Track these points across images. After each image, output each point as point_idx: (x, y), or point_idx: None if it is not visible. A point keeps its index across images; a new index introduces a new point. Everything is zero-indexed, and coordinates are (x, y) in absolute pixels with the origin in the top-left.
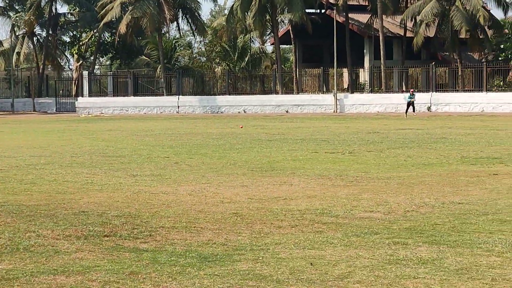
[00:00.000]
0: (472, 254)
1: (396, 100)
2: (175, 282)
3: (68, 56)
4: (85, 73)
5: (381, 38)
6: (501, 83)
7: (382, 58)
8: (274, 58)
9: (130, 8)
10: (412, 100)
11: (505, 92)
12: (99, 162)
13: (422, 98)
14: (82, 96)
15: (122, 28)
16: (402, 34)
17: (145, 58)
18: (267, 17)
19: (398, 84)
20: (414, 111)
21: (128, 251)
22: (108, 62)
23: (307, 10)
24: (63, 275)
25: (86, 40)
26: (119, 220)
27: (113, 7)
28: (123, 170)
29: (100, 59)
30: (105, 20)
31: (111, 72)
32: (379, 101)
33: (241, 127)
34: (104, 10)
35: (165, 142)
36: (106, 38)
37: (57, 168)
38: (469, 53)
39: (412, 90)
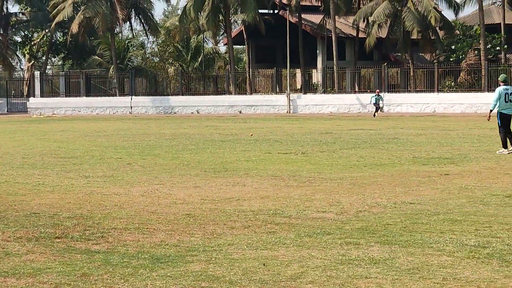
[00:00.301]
0: (424, 253)
1: (348, 101)
2: (127, 283)
3: (19, 56)
4: (37, 73)
5: (333, 38)
6: (452, 83)
7: (334, 59)
8: (227, 59)
9: (82, 7)
10: (379, 102)
11: (456, 93)
12: (51, 163)
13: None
14: (34, 96)
15: (74, 28)
16: (355, 35)
17: (97, 58)
18: (220, 17)
19: (351, 84)
20: (375, 112)
21: (80, 252)
22: (60, 62)
23: (260, 11)
24: (13, 277)
25: (38, 40)
26: (71, 221)
27: (65, 6)
28: (75, 171)
29: (52, 59)
30: (57, 19)
31: (63, 72)
32: (332, 101)
33: (252, 135)
34: (56, 10)
35: (118, 143)
36: (58, 38)
37: (8, 170)
38: (421, 54)
39: (378, 91)
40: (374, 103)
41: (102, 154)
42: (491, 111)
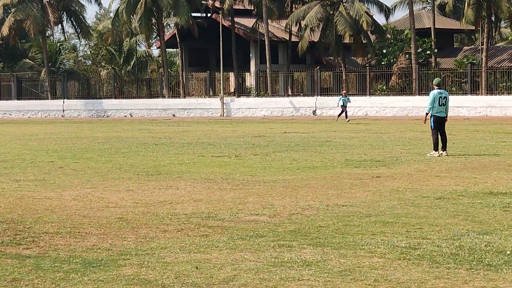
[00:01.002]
0: (355, 255)
1: (282, 104)
2: None
3: None
4: None
5: (266, 42)
6: (384, 87)
7: (267, 62)
8: (161, 62)
9: (13, 10)
10: (345, 104)
11: (388, 96)
12: None
13: (307, 102)
14: None
15: (5, 30)
16: (288, 38)
17: (29, 61)
18: (153, 20)
19: (284, 88)
20: (346, 117)
21: (10, 257)
22: None
23: (193, 14)
24: None
25: None
26: (1, 226)
27: None
28: (5, 175)
29: None
30: None
31: None
32: (265, 105)
33: (285, 132)
34: None
35: (50, 147)
36: None
37: None
38: (353, 57)
39: (344, 92)
40: (342, 105)
41: (34, 157)
42: (427, 114)
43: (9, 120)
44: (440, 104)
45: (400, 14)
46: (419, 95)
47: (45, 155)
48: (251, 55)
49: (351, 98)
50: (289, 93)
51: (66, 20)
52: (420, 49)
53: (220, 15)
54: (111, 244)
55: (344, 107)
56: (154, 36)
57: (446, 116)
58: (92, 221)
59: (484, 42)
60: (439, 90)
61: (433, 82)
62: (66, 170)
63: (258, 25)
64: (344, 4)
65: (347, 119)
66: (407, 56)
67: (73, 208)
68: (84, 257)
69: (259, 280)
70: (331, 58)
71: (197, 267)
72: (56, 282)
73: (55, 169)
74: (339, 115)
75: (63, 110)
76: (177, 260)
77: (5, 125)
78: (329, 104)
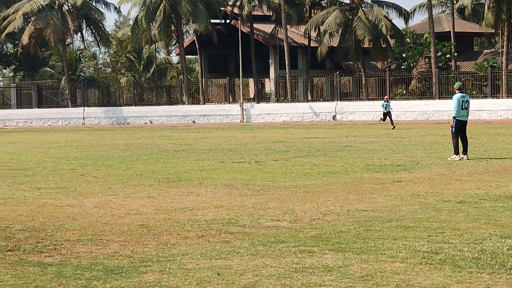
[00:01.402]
0: (377, 260)
1: (301, 110)
2: None
3: None
4: None
5: (285, 48)
6: (404, 91)
7: (287, 68)
8: (180, 69)
9: (33, 19)
10: (387, 109)
11: (407, 101)
12: (3, 175)
13: (327, 107)
14: None
15: (25, 39)
16: (307, 44)
17: (49, 69)
18: (172, 27)
19: (304, 93)
20: (392, 123)
21: (32, 265)
22: (11, 74)
23: (212, 21)
24: None
25: None
26: (23, 234)
27: (15, 18)
28: (27, 183)
29: (3, 70)
30: (7, 31)
31: (15, 84)
32: (285, 110)
33: (346, 136)
34: (6, 21)
35: (71, 154)
36: (9, 50)
37: None
38: (372, 62)
39: (386, 97)
40: (385, 111)
41: (55, 165)
42: (454, 118)
43: (30, 128)
44: (463, 108)
45: (419, 18)
46: (439, 99)
47: (66, 162)
48: (270, 60)
49: (370, 103)
50: (309, 98)
51: (86, 28)
52: (439, 53)
53: (239, 21)
54: (132, 251)
55: (388, 113)
56: (173, 43)
57: (467, 120)
58: (113, 228)
59: (504, 45)
60: (461, 94)
61: (454, 86)
62: (87, 177)
63: (277, 30)
64: (363, 8)
65: (393, 126)
66: (426, 60)
67: (95, 216)
68: (106, 264)
69: (280, 286)
70: (351, 63)
71: (218, 274)
72: None
73: (76, 176)
74: (383, 119)
75: (84, 118)
76: (198, 266)
77: (26, 133)
78: (349, 109)
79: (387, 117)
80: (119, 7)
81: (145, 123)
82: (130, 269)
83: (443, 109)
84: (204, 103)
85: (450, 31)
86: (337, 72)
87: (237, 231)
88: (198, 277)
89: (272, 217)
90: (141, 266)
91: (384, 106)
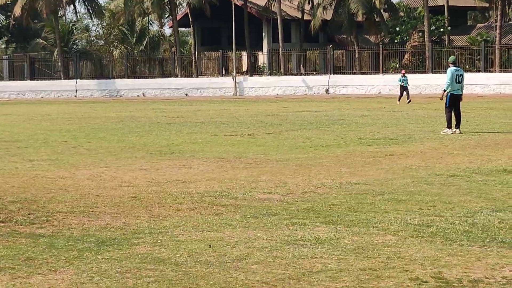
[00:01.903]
0: (368, 233)
1: (294, 83)
2: (72, 266)
3: None
4: None
5: (279, 21)
6: (397, 65)
7: (280, 41)
8: (173, 41)
9: None
10: (405, 84)
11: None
12: None
13: (320, 81)
14: None
15: (17, 10)
16: (300, 17)
17: (41, 41)
18: None
19: (297, 66)
20: (408, 97)
21: (24, 236)
22: (3, 46)
23: None
24: None
25: None
26: (15, 205)
27: None
28: (19, 155)
29: None
30: None
31: (7, 56)
32: (278, 83)
33: (384, 107)
34: None
35: (63, 126)
36: (1, 21)
37: None
38: (365, 36)
39: (403, 71)
40: (402, 86)
41: (47, 137)
42: (444, 91)
43: (23, 101)
44: (457, 81)
45: None
46: (432, 73)
47: (58, 135)
48: (263, 34)
49: (363, 76)
50: (302, 71)
51: (78, 0)
52: (433, 26)
53: None
54: (124, 223)
55: (405, 87)
56: (166, 16)
57: (462, 94)
58: (105, 200)
59: (498, 20)
60: (455, 68)
61: (449, 60)
62: (79, 149)
63: (271, 3)
64: None
65: (408, 100)
66: (420, 34)
67: (87, 187)
68: (98, 236)
69: (272, 258)
70: (344, 36)
71: (210, 246)
72: (70, 261)
73: (68, 148)
74: (399, 98)
75: (76, 90)
76: (190, 238)
77: (18, 105)
78: (342, 83)
79: (404, 92)
80: None
81: (138, 95)
82: (122, 241)
83: (436, 83)
84: (197, 76)
85: (443, 5)
86: (330, 46)
87: (229, 204)
88: (190, 249)
89: (264, 189)
90: (133, 238)
91: (401, 80)
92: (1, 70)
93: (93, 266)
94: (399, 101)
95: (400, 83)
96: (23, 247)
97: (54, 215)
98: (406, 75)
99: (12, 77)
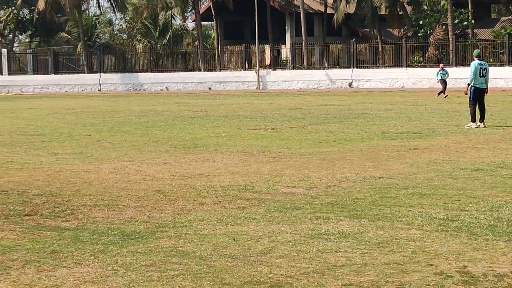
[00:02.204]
0: (393, 227)
1: (318, 77)
2: (97, 260)
3: None
4: (4, 50)
5: (302, 14)
6: (421, 59)
7: (303, 35)
8: (196, 35)
9: None
10: (444, 77)
11: (424, 68)
12: (19, 140)
13: (343, 74)
14: (1, 74)
15: (41, 4)
16: (323, 10)
17: (65, 35)
18: None
19: (320, 60)
20: (444, 91)
21: (49, 230)
22: (27, 40)
23: None
24: None
25: (4, 17)
26: (40, 199)
27: None
28: (44, 148)
29: (19, 36)
30: None
31: (31, 50)
32: (301, 77)
33: (431, 100)
34: None
35: (87, 120)
36: (25, 15)
37: None
38: (389, 29)
39: (442, 65)
40: (440, 79)
41: (71, 131)
42: (469, 84)
43: (47, 94)
44: (481, 75)
45: None
46: (456, 67)
47: (82, 128)
48: (286, 27)
49: (387, 70)
50: (325, 65)
51: None
52: (457, 20)
53: None
54: (148, 216)
55: (443, 81)
56: (189, 9)
57: (486, 88)
58: (129, 194)
59: None
60: (479, 61)
61: (473, 54)
62: (103, 143)
63: None
64: None
65: (445, 95)
66: (443, 27)
67: (111, 181)
68: (122, 229)
69: (296, 252)
70: (367, 30)
71: (234, 239)
72: (95, 254)
73: (93, 142)
74: (439, 93)
75: (100, 84)
76: (214, 232)
77: (42, 99)
78: (366, 76)
79: (443, 85)
80: None
81: (161, 89)
82: (146, 234)
83: (460, 76)
84: (220, 70)
85: None
86: (354, 39)
87: (253, 197)
88: (214, 243)
89: (288, 183)
90: (158, 232)
91: (440, 74)
92: (25, 64)
93: (118, 259)
94: (444, 94)
95: (438, 78)
96: (49, 240)
97: (79, 209)
98: (445, 68)
99: (36, 71)
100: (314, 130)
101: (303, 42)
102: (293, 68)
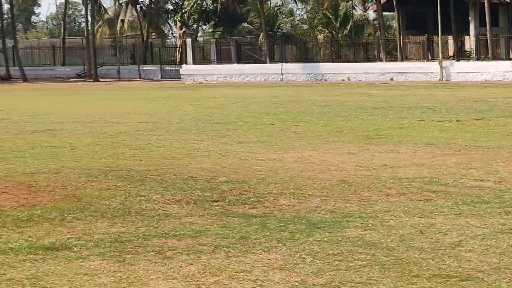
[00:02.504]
0: None
1: (503, 68)
2: (285, 247)
3: (171, 23)
4: (189, 40)
5: (486, 5)
6: None
7: (488, 25)
8: (377, 26)
9: None
10: None
11: None
12: (205, 128)
13: None
14: (186, 63)
15: None
16: (508, 1)
17: (247, 25)
18: None
19: (505, 52)
20: None
21: (237, 216)
22: (210, 30)
23: None
24: (174, 238)
25: (189, 7)
26: (227, 185)
27: None
28: (229, 136)
29: (203, 26)
30: None
31: (214, 40)
32: (486, 69)
33: None
34: None
35: (270, 109)
36: (209, 6)
37: (165, 134)
38: None
39: None
40: None
41: (255, 120)
42: None
43: (230, 83)
44: None
45: None
46: None
47: (265, 117)
48: (470, 18)
49: None
50: (511, 57)
51: None
52: None
53: None
54: (334, 206)
55: None
56: (370, 0)
57: None
58: (314, 183)
59: None
60: None
61: None
62: (286, 132)
63: None
64: None
65: None
66: None
67: (296, 170)
68: (308, 218)
69: (486, 247)
70: None
71: (421, 232)
72: (282, 242)
73: (276, 131)
74: None
75: (281, 74)
76: (401, 223)
77: (226, 88)
78: None
79: None
80: None
81: (342, 80)
82: (332, 224)
83: None
84: (402, 61)
85: None
86: None
87: (440, 190)
88: (401, 234)
89: (475, 177)
90: (344, 221)
91: None
92: (209, 53)
93: (305, 247)
94: None
95: None
96: (237, 226)
97: (265, 196)
98: None
99: (219, 61)
100: (501, 122)
101: (488, 33)
102: (478, 59)
